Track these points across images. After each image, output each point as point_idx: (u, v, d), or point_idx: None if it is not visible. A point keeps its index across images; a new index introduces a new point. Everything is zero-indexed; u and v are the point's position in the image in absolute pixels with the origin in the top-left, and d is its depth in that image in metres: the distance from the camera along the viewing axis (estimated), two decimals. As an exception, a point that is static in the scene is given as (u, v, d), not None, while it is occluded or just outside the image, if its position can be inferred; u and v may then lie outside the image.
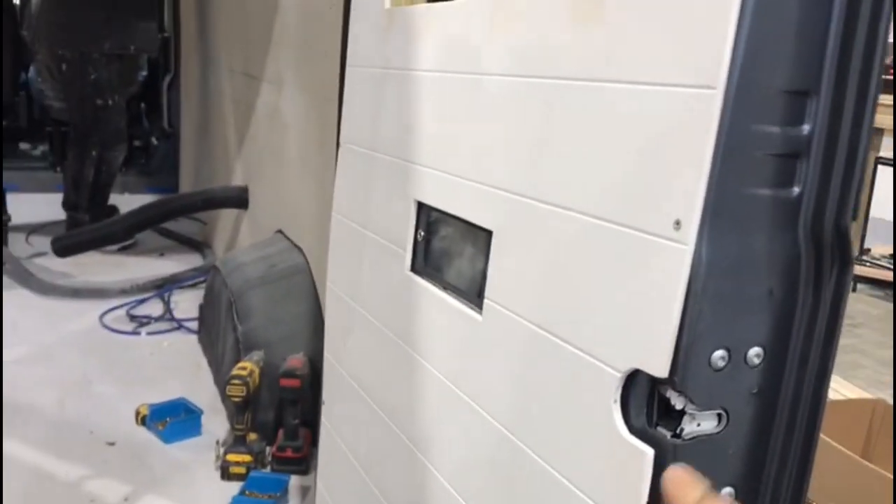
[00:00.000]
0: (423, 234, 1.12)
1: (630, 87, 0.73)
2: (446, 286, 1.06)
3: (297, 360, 2.14)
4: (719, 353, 0.67)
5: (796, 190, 0.67)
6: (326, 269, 1.50)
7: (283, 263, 2.54)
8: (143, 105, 5.34)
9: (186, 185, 4.85)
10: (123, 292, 3.38)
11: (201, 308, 2.97)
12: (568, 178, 0.81)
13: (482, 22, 0.97)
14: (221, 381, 2.43)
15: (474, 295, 0.97)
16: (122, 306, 3.28)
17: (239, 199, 3.32)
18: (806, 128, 0.66)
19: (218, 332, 2.62)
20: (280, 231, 2.79)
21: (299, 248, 2.57)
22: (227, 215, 3.63)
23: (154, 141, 5.64)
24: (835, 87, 0.66)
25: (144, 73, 4.52)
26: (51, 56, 3.95)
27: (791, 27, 0.64)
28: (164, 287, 3.45)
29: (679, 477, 0.49)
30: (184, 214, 3.57)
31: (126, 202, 4.24)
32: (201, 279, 3.49)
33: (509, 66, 0.92)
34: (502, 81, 0.93)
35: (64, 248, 3.53)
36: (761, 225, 0.67)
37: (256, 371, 2.11)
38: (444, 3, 1.08)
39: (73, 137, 4.13)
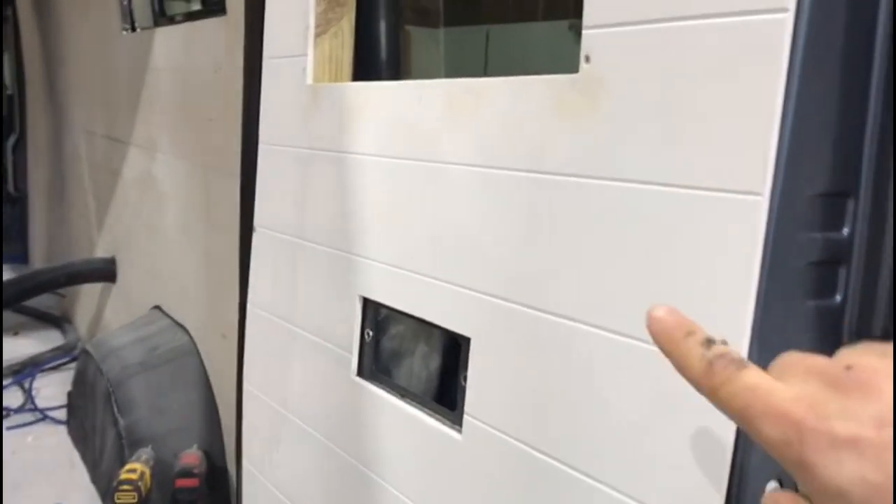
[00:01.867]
0: (371, 333, 1.01)
1: (642, 188, 0.66)
2: (404, 394, 0.95)
3: (191, 457, 1.94)
4: (772, 485, 0.60)
5: (838, 298, 0.62)
6: (216, 350, 1.35)
7: (165, 345, 2.33)
8: (-17, 168, 4.89)
9: (38, 254, 4.47)
10: (-28, 382, 3.02)
11: (70, 395, 2.69)
12: (570, 283, 0.73)
13: (438, 106, 0.89)
14: (101, 480, 2.18)
15: (447, 408, 0.87)
16: (-29, 398, 2.92)
17: (105, 272, 3.05)
18: (846, 231, 0.61)
19: (94, 424, 2.36)
20: (158, 307, 2.57)
21: (182, 327, 2.37)
22: (89, 288, 3.34)
23: (-2, 207, 5.18)
24: (874, 187, 0.61)
25: (-15, 134, 4.14)
26: None
27: (829, 127, 0.59)
28: (22, 372, 3.11)
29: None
30: (44, 292, 3.25)
31: (-31, 276, 3.83)
32: (65, 360, 3.18)
33: (476, 157, 0.84)
34: (468, 172, 0.85)
35: None
36: (804, 338, 0.61)
37: (147, 473, 1.90)
38: (384, 82, 0.99)
39: None
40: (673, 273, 0.64)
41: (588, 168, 0.71)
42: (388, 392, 0.96)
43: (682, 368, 0.41)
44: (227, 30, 1.80)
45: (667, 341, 0.42)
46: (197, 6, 2.41)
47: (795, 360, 0.39)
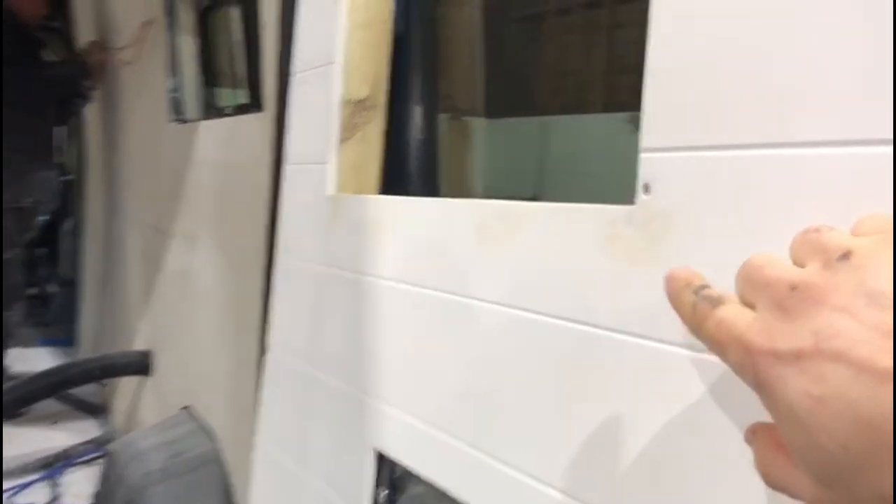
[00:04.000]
0: (385, 493, 0.85)
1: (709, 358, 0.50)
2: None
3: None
4: None
5: None
6: (242, 461, 1.20)
7: (189, 451, 2.19)
8: (40, 250, 4.94)
9: (86, 339, 4.43)
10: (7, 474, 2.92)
11: (95, 497, 2.56)
12: (637, 468, 0.56)
13: (467, 230, 0.75)
14: None
15: None
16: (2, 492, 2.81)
17: (140, 366, 2.96)
18: None
19: (112, 533, 2.22)
20: (187, 408, 2.45)
21: (210, 432, 2.23)
22: (128, 378, 3.25)
23: (51, 289, 5.21)
24: None
25: (44, 217, 4.17)
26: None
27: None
28: (53, 467, 3.00)
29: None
30: (79, 385, 3.17)
31: (17, 356, 3.79)
32: (97, 455, 3.06)
33: (508, 294, 0.69)
34: (499, 312, 0.70)
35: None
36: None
37: None
38: (408, 198, 0.86)
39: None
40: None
41: (646, 327, 0.56)
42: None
43: (680, 317, 0.44)
44: (263, 126, 1.71)
45: (672, 295, 0.44)
46: (244, 99, 2.36)
47: (754, 271, 0.39)
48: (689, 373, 0.53)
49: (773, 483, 0.39)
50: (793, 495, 0.38)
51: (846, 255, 0.35)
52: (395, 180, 1.06)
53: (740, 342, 0.38)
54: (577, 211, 0.62)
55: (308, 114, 1.08)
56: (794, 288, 0.36)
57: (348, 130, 1.01)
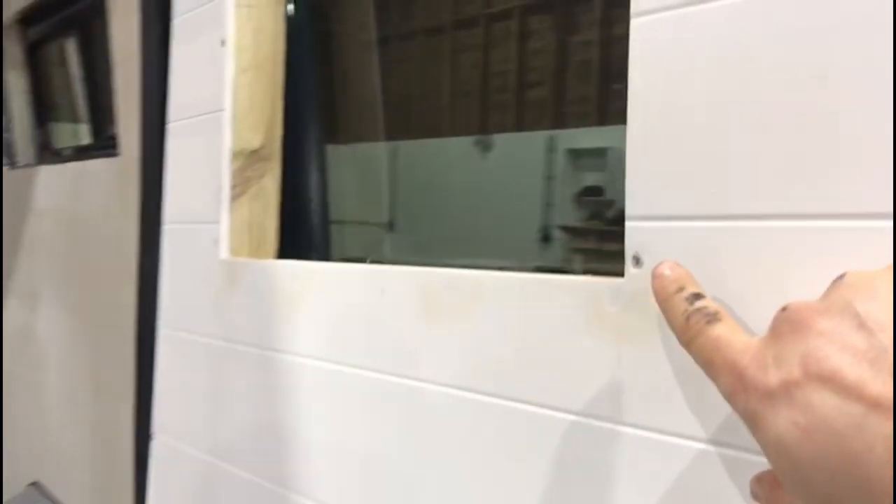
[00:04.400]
0: None
1: (727, 452, 0.45)
2: None
3: None
4: None
5: None
6: None
7: (44, 536, 1.95)
8: None
9: None
10: None
11: None
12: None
13: (409, 302, 0.66)
14: None
15: None
16: None
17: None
18: None
19: None
20: (36, 484, 2.19)
21: (67, 511, 2.00)
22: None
23: None
24: None
25: None
26: None
27: None
28: None
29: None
30: None
31: None
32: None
33: (469, 377, 0.61)
34: (459, 399, 0.62)
35: None
36: None
37: None
38: (332, 265, 0.76)
39: None
40: None
41: (642, 415, 0.49)
42: None
43: (669, 322, 0.42)
44: (120, 173, 1.55)
45: (662, 297, 0.43)
46: (86, 139, 2.15)
47: None
48: (697, 468, 0.47)
49: None
50: None
51: (840, 276, 0.35)
52: (292, 232, 0.96)
53: (734, 369, 0.36)
54: (552, 283, 0.55)
55: (190, 167, 0.96)
56: (784, 309, 0.35)
57: (241, 185, 0.90)
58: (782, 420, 0.33)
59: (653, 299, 0.49)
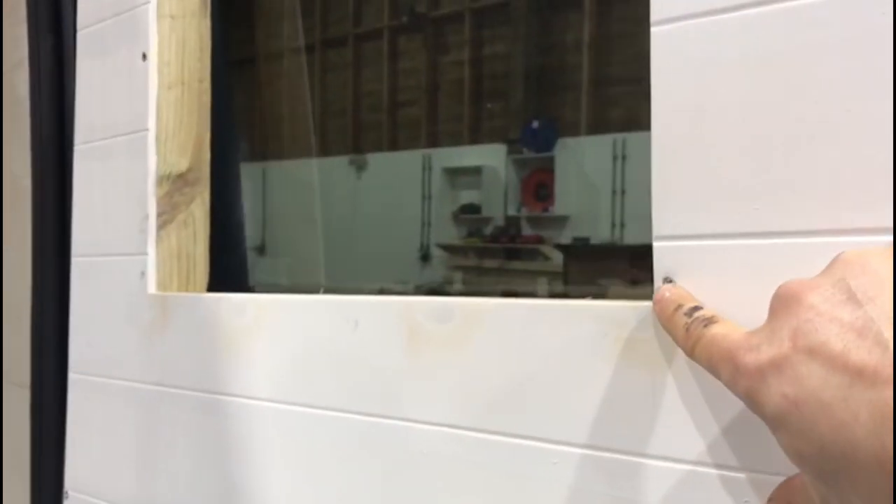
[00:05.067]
0: None
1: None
2: None
3: None
4: None
5: None
6: None
7: None
8: None
9: None
10: None
11: None
12: None
13: (388, 335, 0.61)
14: None
15: None
16: None
17: None
18: None
19: None
20: None
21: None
22: None
23: None
24: None
25: None
26: None
27: None
28: None
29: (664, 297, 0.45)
30: None
31: None
32: None
33: (472, 415, 0.56)
34: (455, 439, 0.57)
35: None
36: None
37: None
38: (290, 296, 0.69)
39: None
40: None
41: (680, 448, 0.46)
42: None
43: (673, 339, 0.44)
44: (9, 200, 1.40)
45: (664, 318, 0.45)
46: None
47: None
48: (732, 498, 0.45)
49: None
50: None
51: (838, 255, 0.35)
52: (219, 261, 0.89)
53: (730, 357, 0.37)
54: (569, 309, 0.52)
55: (105, 193, 0.87)
56: (779, 288, 0.36)
57: (168, 212, 0.82)
58: (774, 393, 0.33)
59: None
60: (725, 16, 0.45)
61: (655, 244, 0.48)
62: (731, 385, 0.37)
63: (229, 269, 0.92)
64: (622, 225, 4.93)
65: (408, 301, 0.60)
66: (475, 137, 5.81)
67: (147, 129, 0.81)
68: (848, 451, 0.31)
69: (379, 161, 6.19)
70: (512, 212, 5.45)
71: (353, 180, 6.34)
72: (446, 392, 0.57)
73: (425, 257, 5.96)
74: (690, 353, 0.41)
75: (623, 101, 4.99)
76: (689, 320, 0.42)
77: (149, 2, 0.81)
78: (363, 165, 6.29)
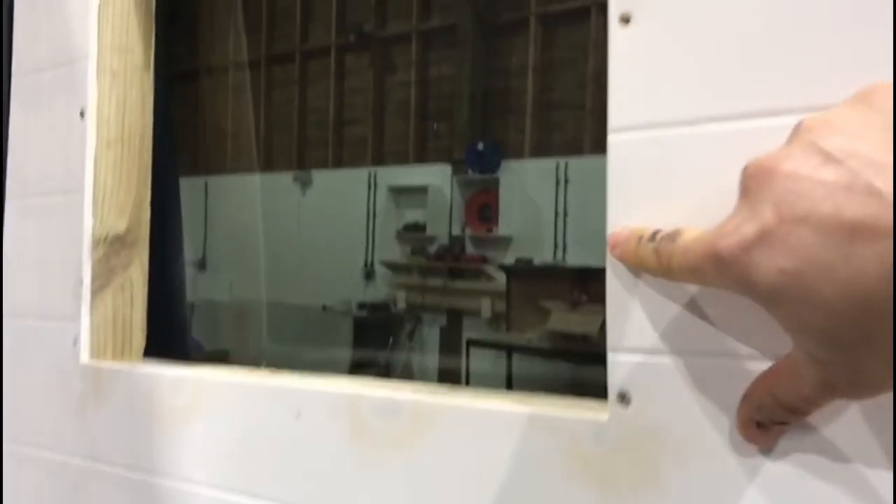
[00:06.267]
0: None
1: None
2: None
3: None
4: None
5: None
6: None
7: None
8: None
9: None
10: None
11: None
12: None
13: (332, 426, 0.59)
14: None
15: None
16: None
17: None
18: None
19: None
20: None
21: None
22: None
23: None
24: None
25: None
26: None
27: None
28: None
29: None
30: None
31: None
32: None
33: (414, 516, 0.55)
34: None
35: None
36: None
37: None
38: (229, 371, 0.67)
39: None
40: None
41: (636, 565, 0.46)
42: None
43: (645, 270, 0.43)
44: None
45: (629, 256, 0.43)
46: None
47: None
48: None
49: (783, 404, 0.38)
50: (807, 402, 0.36)
51: (796, 126, 0.35)
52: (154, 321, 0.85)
53: (710, 251, 0.35)
54: (521, 418, 0.50)
55: (37, 253, 0.83)
56: (745, 169, 0.35)
57: (104, 276, 0.79)
58: (767, 271, 0.33)
59: (646, 441, 0.45)
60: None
61: (610, 355, 0.47)
62: (719, 280, 0.36)
63: (168, 331, 0.89)
64: (564, 247, 4.97)
65: (354, 393, 0.58)
66: (421, 156, 5.81)
67: (83, 189, 0.78)
68: (859, 306, 0.30)
69: (324, 178, 6.14)
70: (456, 231, 5.46)
71: (297, 196, 6.27)
72: (389, 494, 0.55)
73: (369, 275, 5.93)
74: (668, 273, 0.40)
75: (566, 126, 5.04)
76: (655, 244, 0.40)
77: (88, 57, 0.78)
78: (308, 182, 6.23)
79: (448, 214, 5.46)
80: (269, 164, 6.47)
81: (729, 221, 0.35)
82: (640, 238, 0.42)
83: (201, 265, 5.68)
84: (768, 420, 0.39)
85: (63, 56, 0.81)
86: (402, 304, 5.51)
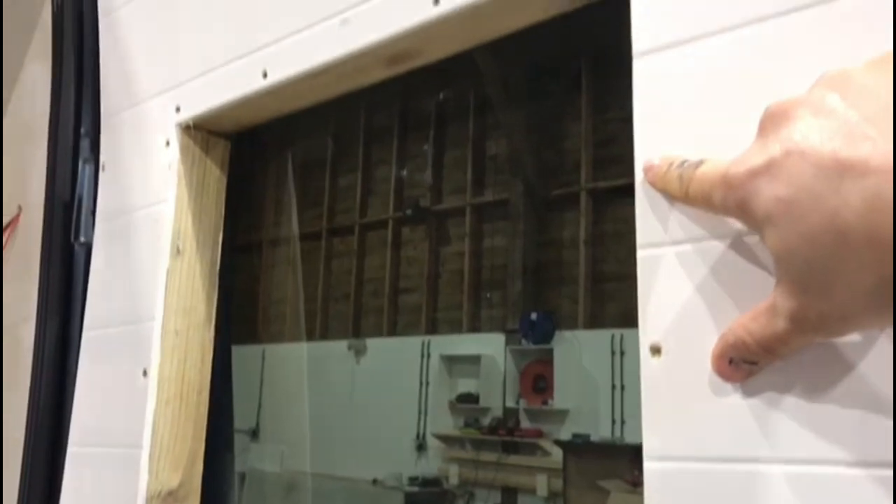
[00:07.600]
0: None
1: None
2: None
3: None
4: None
5: None
6: None
7: None
8: None
9: None
10: None
11: None
12: None
13: None
14: None
15: None
16: None
17: None
18: None
19: None
20: None
21: None
22: None
23: None
24: None
25: None
26: None
27: None
28: None
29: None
30: None
31: None
32: None
33: None
34: None
35: None
36: None
37: None
38: None
39: None
40: None
41: None
42: None
43: (670, 194, 0.47)
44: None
45: (658, 180, 0.48)
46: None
47: None
48: None
49: (757, 340, 0.40)
50: (778, 338, 0.39)
51: (819, 77, 0.38)
52: None
53: (721, 177, 0.40)
54: None
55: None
56: (767, 109, 0.39)
57: (154, 528, 0.80)
58: (766, 197, 0.36)
59: None
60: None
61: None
62: (724, 205, 0.40)
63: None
64: (623, 421, 4.84)
65: None
66: (474, 326, 5.84)
67: (142, 445, 0.81)
68: (839, 238, 0.34)
69: (378, 346, 6.18)
70: (510, 403, 5.37)
71: (351, 364, 6.30)
72: None
73: (421, 447, 5.82)
74: (686, 198, 0.44)
75: (620, 297, 5.04)
76: (681, 170, 0.44)
77: (154, 318, 0.83)
78: (362, 350, 6.28)
79: (502, 385, 5.40)
80: (324, 332, 6.57)
81: (744, 153, 0.39)
82: (671, 164, 0.46)
83: (254, 434, 5.67)
84: (739, 358, 0.42)
85: (131, 315, 0.86)
86: (454, 479, 5.37)
